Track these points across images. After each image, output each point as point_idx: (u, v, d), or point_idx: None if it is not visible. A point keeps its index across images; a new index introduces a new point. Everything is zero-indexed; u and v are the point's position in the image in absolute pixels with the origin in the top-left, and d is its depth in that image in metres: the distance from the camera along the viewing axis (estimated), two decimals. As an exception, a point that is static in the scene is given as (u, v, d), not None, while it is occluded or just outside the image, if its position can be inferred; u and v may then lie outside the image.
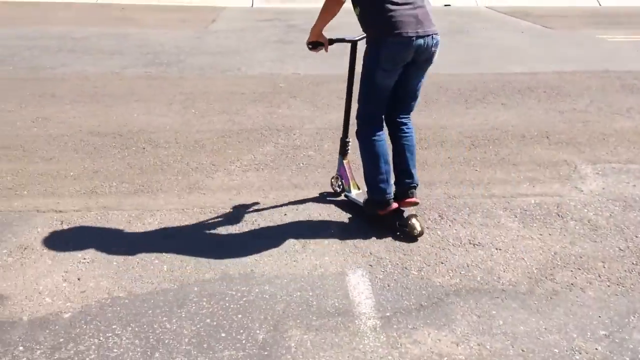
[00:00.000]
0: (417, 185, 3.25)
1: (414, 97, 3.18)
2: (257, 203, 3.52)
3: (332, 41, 3.21)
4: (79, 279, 2.73)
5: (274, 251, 3.02)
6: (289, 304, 2.57)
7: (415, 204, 3.22)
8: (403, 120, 3.22)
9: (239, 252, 3.00)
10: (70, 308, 2.51)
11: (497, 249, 3.04)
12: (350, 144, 3.51)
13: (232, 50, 6.99)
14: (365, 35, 3.07)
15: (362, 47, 3.14)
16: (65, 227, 3.19)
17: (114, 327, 2.40)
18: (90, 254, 2.94)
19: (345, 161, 3.53)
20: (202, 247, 3.04)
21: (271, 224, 3.29)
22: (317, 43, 3.17)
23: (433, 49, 2.99)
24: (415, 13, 2.91)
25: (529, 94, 5.51)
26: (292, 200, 3.58)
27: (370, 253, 2.99)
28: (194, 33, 7.77)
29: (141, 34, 7.60)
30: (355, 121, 3.20)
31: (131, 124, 4.70)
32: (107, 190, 3.64)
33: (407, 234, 3.12)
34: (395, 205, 3.16)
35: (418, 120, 4.84)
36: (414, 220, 3.13)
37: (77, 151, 4.18)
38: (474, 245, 3.08)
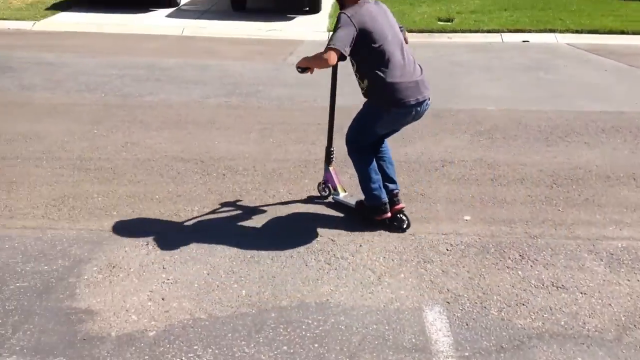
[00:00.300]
0: (399, 190, 3.70)
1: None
2: (333, 233, 3.55)
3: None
4: (163, 299, 2.84)
5: (349, 282, 3.03)
6: (365, 337, 2.57)
7: (403, 208, 3.64)
8: (382, 146, 3.74)
9: (315, 281, 3.03)
10: (155, 327, 2.61)
11: (582, 293, 2.92)
12: (334, 152, 3.92)
13: (308, 82, 7.12)
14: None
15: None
16: (150, 247, 3.34)
17: (195, 347, 2.47)
18: (174, 274, 3.05)
19: (330, 168, 3.95)
20: (279, 274, 3.09)
21: (346, 254, 3.31)
22: (305, 68, 3.54)
23: (426, 110, 3.47)
24: (415, 82, 3.35)
25: (614, 134, 5.31)
26: (367, 231, 3.59)
27: (448, 289, 2.94)
28: (272, 65, 8.02)
29: (222, 65, 7.92)
30: (345, 143, 3.63)
31: (212, 150, 4.87)
32: (189, 214, 3.78)
33: (397, 227, 3.54)
34: (389, 214, 3.58)
35: (497, 156, 4.77)
36: (401, 216, 3.61)
37: (162, 175, 4.38)
38: (557, 287, 2.97)
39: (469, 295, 2.89)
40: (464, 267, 3.16)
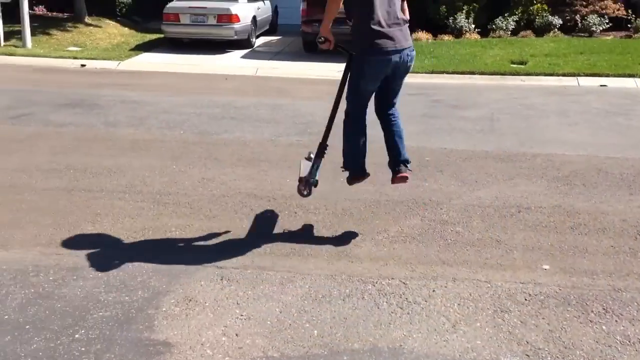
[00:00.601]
0: (408, 160, 3.95)
1: (395, 95, 3.91)
2: (404, 276, 3.51)
3: (337, 45, 3.69)
4: (236, 335, 2.88)
5: (422, 328, 2.97)
6: (441, 386, 2.49)
7: (406, 178, 3.93)
8: (390, 112, 3.93)
9: (387, 325, 2.99)
10: (229, 362, 2.64)
11: (674, 353, 2.74)
12: (327, 148, 4.05)
13: (376, 121, 7.22)
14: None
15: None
16: (225, 282, 3.40)
17: (268, 386, 2.47)
18: (247, 311, 3.09)
19: (304, 160, 4.17)
20: (350, 315, 3.07)
21: (419, 299, 3.25)
22: (325, 38, 3.64)
23: (409, 63, 3.70)
24: (394, 33, 3.57)
25: (703, 183, 5.03)
26: (441, 276, 3.52)
27: (527, 342, 2.83)
28: (342, 106, 8.17)
29: (294, 104, 8.12)
30: (345, 115, 3.89)
31: (284, 188, 4.96)
32: (262, 251, 3.84)
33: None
34: (365, 177, 4.00)
35: (576, 203, 4.60)
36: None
37: (237, 211, 4.48)
38: (646, 346, 2.79)
39: (549, 349, 2.76)
40: (543, 318, 3.04)
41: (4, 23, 12.21)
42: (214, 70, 10.98)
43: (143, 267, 3.56)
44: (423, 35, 13.51)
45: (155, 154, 5.79)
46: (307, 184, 4.09)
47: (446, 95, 8.98)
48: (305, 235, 4.10)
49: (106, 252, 3.77)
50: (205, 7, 12.23)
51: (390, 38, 3.55)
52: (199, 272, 3.52)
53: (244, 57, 12.27)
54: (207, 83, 9.83)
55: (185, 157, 5.73)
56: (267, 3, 14.43)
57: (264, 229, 4.19)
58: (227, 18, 12.14)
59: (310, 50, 12.49)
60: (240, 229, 4.18)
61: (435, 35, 13.56)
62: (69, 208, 4.42)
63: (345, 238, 4.05)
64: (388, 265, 3.65)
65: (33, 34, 12.49)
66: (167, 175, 5.21)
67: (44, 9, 15.81)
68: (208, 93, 8.89)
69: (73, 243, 3.87)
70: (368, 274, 3.54)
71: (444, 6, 13.71)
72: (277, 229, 4.19)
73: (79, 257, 3.68)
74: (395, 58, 3.59)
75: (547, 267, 3.62)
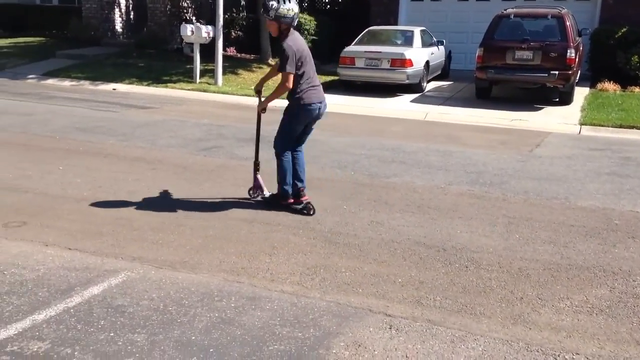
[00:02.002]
0: (305, 187, 5.37)
1: (306, 138, 5.41)
2: (591, 353, 3.18)
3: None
4: (407, 390, 2.80)
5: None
6: None
7: (308, 200, 5.35)
8: (298, 149, 5.38)
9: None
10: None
11: None
12: (260, 164, 5.55)
13: (558, 177, 6.76)
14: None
15: None
16: (394, 332, 3.35)
17: None
18: (418, 366, 3.01)
19: (258, 175, 5.53)
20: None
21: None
22: (264, 109, 5.35)
23: (324, 111, 5.24)
24: (318, 90, 5.15)
25: None
26: (634, 358, 3.13)
27: None
28: (517, 156, 7.78)
29: (464, 152, 7.94)
30: (274, 149, 5.34)
31: (454, 239, 4.82)
32: (431, 303, 3.73)
33: (307, 213, 5.22)
34: (292, 200, 5.34)
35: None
36: (309, 205, 5.30)
37: (405, 259, 4.44)
38: None
39: None
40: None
41: (200, 62, 13.66)
42: (385, 113, 11.18)
43: (315, 305, 3.65)
44: (610, 86, 12.54)
45: (327, 193, 5.99)
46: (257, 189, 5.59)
47: (637, 152, 8.18)
48: (477, 292, 3.92)
49: (281, 285, 3.93)
50: (380, 52, 12.57)
51: (318, 94, 5.12)
52: (368, 317, 3.52)
53: (414, 101, 12.34)
54: (377, 125, 10.02)
55: (355, 198, 5.85)
56: (442, 48, 14.44)
57: (433, 280, 4.08)
58: (400, 62, 12.36)
59: (483, 96, 12.22)
60: (409, 277, 4.12)
61: (624, 87, 12.52)
62: (250, 238, 4.71)
63: (523, 301, 3.79)
64: (572, 338, 3.34)
65: (223, 72, 13.79)
66: (338, 214, 5.35)
67: (234, 50, 17.42)
68: (378, 135, 9.05)
69: (252, 272, 4.10)
70: (549, 344, 3.27)
71: (636, 56, 12.64)
72: (447, 282, 4.06)
73: (257, 287, 3.88)
74: (319, 108, 5.13)
75: None
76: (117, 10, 18.27)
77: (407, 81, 12.53)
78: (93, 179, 5.98)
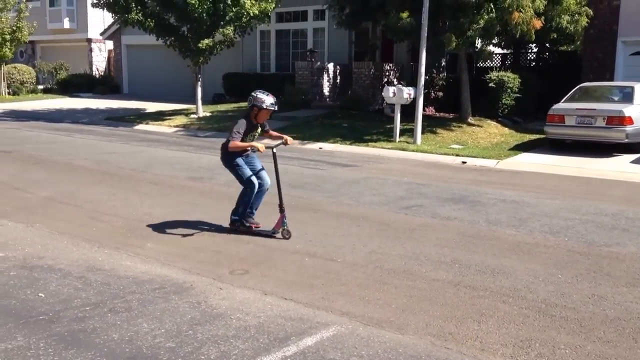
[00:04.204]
0: (254, 214, 6.45)
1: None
2: None
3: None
4: None
5: None
6: None
7: (258, 226, 6.38)
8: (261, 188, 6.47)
9: None
10: None
11: None
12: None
13: None
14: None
15: None
16: None
17: None
18: None
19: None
20: None
21: None
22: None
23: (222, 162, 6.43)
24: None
25: None
26: None
27: None
28: None
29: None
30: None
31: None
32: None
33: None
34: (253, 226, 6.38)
35: None
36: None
37: (637, 340, 3.93)
38: None
39: None
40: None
41: (399, 122, 14.03)
42: (599, 175, 10.27)
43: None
44: None
45: (538, 259, 5.60)
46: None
47: None
48: None
49: (493, 357, 3.72)
50: (595, 109, 11.69)
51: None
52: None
53: (634, 162, 11.16)
54: (591, 188, 9.23)
55: (571, 267, 5.38)
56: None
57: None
58: (618, 120, 11.34)
59: None
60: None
61: None
62: (456, 302, 4.58)
63: None
64: None
65: (422, 131, 13.96)
66: (552, 284, 4.96)
67: (433, 110, 17.60)
68: (593, 199, 8.31)
69: (460, 339, 3.95)
70: None
71: None
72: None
73: (466, 355, 3.72)
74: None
75: None
76: (325, 75, 19.74)
77: (625, 140, 11.43)
78: (304, 233, 6.38)
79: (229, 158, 6.24)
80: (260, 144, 6.01)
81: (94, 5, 17.62)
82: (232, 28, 17.14)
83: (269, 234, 6.27)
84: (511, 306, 4.50)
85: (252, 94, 6.20)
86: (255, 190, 6.29)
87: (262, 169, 6.43)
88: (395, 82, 17.23)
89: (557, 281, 5.03)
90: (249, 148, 6.16)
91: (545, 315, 4.33)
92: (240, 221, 6.37)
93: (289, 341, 3.86)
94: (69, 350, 3.66)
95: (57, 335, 3.86)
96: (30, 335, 3.85)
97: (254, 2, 16.66)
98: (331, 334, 3.97)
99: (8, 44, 25.02)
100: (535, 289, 4.84)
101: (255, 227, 6.36)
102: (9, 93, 26.89)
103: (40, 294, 4.55)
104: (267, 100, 6.11)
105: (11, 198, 7.80)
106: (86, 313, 4.23)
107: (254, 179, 6.28)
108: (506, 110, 16.43)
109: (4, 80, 26.58)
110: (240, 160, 6.26)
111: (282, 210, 6.18)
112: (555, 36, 16.08)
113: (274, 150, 6.23)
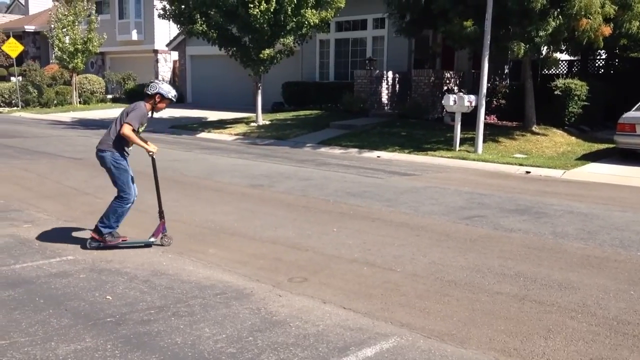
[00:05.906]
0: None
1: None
2: None
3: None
4: None
5: None
6: None
7: (124, 239, 6.01)
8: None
9: None
10: None
11: None
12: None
13: None
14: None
15: None
16: None
17: None
18: None
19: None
20: None
21: None
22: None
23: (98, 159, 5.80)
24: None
25: None
26: None
27: None
28: None
29: None
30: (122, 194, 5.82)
31: None
32: None
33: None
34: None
35: None
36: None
37: None
38: None
39: None
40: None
41: (460, 130, 13.78)
42: (675, 186, 9.72)
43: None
44: None
45: (608, 274, 5.35)
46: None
47: None
48: None
49: (560, 375, 3.57)
50: (669, 117, 11.11)
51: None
52: None
53: None
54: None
55: (646, 283, 5.11)
56: None
57: None
58: (694, 129, 10.72)
59: None
60: None
61: None
62: (520, 317, 4.42)
63: None
64: None
65: (484, 140, 13.65)
66: (623, 300, 4.72)
67: (495, 118, 17.19)
68: (668, 212, 7.87)
69: (526, 355, 3.81)
70: None
71: None
72: None
73: (532, 373, 3.59)
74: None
75: None
76: (384, 83, 19.65)
77: None
78: (362, 242, 6.34)
79: (115, 154, 5.64)
80: (154, 147, 5.76)
81: (160, 16, 18.25)
82: (292, 37, 17.36)
83: (147, 244, 5.98)
84: (580, 322, 4.31)
85: (154, 80, 5.80)
86: (132, 200, 5.83)
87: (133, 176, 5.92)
88: (456, 90, 16.95)
89: (629, 298, 4.78)
90: (137, 147, 5.64)
91: (617, 333, 4.13)
92: (110, 234, 5.84)
93: (348, 351, 3.83)
94: (134, 353, 3.77)
95: (124, 338, 3.98)
96: (98, 336, 3.99)
97: (314, 11, 16.81)
98: (391, 345, 3.92)
99: (80, 55, 26.29)
100: (606, 305, 4.62)
101: (122, 240, 5.92)
102: (80, 102, 28.21)
103: (107, 297, 4.71)
104: (172, 90, 5.76)
105: (81, 203, 8.15)
106: (151, 316, 4.35)
107: (134, 188, 5.83)
108: (573, 119, 15.85)
109: (75, 90, 27.91)
110: (125, 163, 5.70)
111: (162, 216, 5.97)
112: (626, 42, 15.40)
113: (154, 155, 5.85)
